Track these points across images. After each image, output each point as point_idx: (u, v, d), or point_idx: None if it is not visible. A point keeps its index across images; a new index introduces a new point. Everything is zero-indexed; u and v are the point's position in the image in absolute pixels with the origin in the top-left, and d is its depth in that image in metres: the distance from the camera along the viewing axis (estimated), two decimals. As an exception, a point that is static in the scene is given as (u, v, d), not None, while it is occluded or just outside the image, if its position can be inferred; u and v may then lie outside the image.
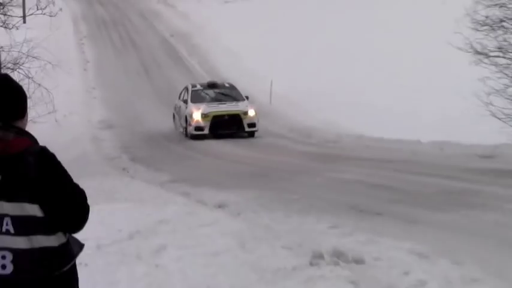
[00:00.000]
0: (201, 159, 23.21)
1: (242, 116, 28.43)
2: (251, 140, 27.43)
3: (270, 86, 33.51)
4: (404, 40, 41.20)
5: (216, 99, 29.98)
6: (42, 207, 3.71)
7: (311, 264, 8.43)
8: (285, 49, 42.85)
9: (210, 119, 28.40)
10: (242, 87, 31.43)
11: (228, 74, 38.48)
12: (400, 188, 14.56)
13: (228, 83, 31.96)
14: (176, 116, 31.10)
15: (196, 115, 28.43)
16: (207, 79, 39.13)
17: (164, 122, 31.50)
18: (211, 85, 31.13)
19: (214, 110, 28.68)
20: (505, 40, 24.99)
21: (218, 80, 32.73)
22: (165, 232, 10.49)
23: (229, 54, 43.39)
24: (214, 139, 27.53)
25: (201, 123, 28.36)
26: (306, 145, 24.95)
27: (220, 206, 13.63)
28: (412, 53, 38.25)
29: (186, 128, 29.12)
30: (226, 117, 28.58)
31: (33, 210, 3.70)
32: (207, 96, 30.18)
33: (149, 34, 52.85)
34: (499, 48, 25.09)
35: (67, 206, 3.78)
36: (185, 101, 29.99)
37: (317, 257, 8.60)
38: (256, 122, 28.54)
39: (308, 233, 10.40)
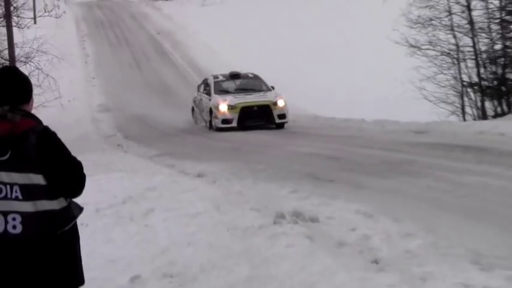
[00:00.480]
0: (183, 137, 23.10)
1: (272, 106, 23.33)
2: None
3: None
4: (349, 36, 41.35)
5: (241, 90, 24.83)
6: (45, 177, 3.73)
7: (275, 223, 8.41)
8: (253, 43, 42.81)
9: (238, 110, 23.29)
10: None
11: (205, 65, 38.42)
12: (349, 159, 14.56)
13: (252, 73, 26.23)
14: (196, 109, 26.36)
15: (223, 107, 23.42)
16: (188, 70, 39.11)
17: (152, 106, 31.19)
18: (234, 76, 25.83)
19: (242, 101, 23.56)
20: (434, 35, 25.26)
21: (240, 71, 26.43)
22: (153, 197, 10.44)
23: (207, 48, 43.24)
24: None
25: (228, 115, 23.32)
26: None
27: (199, 175, 13.55)
28: (357, 47, 38.39)
29: (210, 121, 24.28)
30: (255, 108, 23.48)
31: (37, 179, 3.71)
32: (231, 87, 25.12)
33: (139, 33, 52.40)
34: (429, 42, 25.34)
35: (66, 175, 3.80)
36: (207, 93, 24.97)
37: (280, 217, 8.58)
38: (286, 112, 23.52)
39: (272, 197, 10.38)
